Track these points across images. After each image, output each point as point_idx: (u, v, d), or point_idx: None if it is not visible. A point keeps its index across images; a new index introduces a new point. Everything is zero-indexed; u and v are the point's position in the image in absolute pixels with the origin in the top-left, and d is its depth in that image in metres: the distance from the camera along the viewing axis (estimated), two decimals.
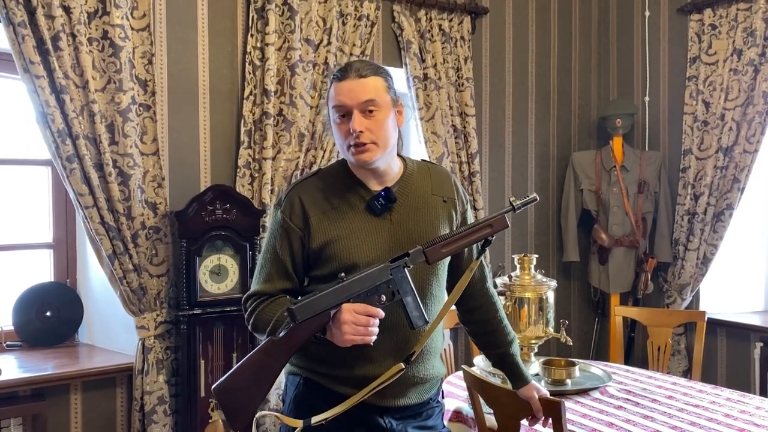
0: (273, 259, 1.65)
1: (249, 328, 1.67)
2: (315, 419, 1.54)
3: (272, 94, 2.83)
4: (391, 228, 1.62)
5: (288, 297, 1.64)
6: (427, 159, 2.12)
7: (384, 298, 1.51)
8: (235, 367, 1.54)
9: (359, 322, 1.46)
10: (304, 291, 1.69)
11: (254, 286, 1.68)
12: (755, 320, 3.46)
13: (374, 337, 1.49)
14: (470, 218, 1.77)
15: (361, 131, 1.54)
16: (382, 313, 1.50)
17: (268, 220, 1.69)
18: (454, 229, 1.70)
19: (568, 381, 2.47)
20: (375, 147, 1.57)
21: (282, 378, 2.81)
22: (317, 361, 1.63)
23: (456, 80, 3.47)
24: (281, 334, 1.50)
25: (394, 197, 1.62)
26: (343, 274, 1.52)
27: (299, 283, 1.68)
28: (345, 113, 1.56)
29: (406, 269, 1.52)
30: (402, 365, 1.56)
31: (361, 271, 1.52)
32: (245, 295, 1.69)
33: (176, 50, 2.74)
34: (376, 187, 1.64)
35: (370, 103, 1.56)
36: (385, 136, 1.59)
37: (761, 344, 3.36)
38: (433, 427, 1.74)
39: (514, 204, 1.60)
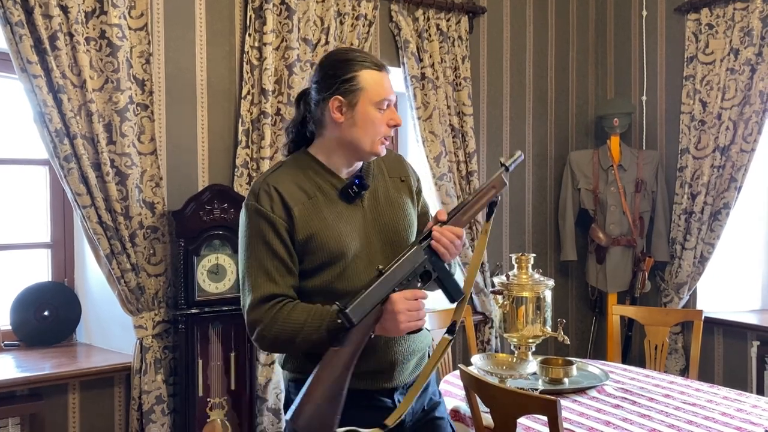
0: (268, 255, 1.55)
1: (260, 344, 1.55)
2: (389, 421, 1.54)
3: (270, 93, 2.83)
4: (365, 214, 1.65)
5: (301, 302, 1.56)
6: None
7: (419, 282, 1.55)
8: (304, 390, 1.46)
9: (413, 308, 1.49)
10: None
11: (256, 293, 1.54)
12: (752, 319, 3.47)
13: (426, 320, 1.53)
14: (423, 193, 1.82)
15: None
16: (427, 294, 1.54)
17: (240, 221, 1.63)
18: (417, 206, 1.76)
19: (566, 380, 2.48)
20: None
21: (278, 378, 2.81)
22: (317, 361, 1.54)
23: (453, 80, 3.47)
24: (342, 344, 1.45)
25: (367, 185, 1.65)
26: (381, 267, 1.52)
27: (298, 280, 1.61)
28: (386, 106, 1.61)
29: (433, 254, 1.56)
30: (449, 337, 1.58)
31: (398, 257, 1.53)
32: (249, 307, 1.54)
33: (174, 50, 2.74)
34: (345, 176, 1.66)
35: None
36: None
37: (758, 343, 3.37)
38: (441, 419, 1.75)
39: (505, 164, 1.68)
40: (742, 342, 3.47)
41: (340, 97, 1.58)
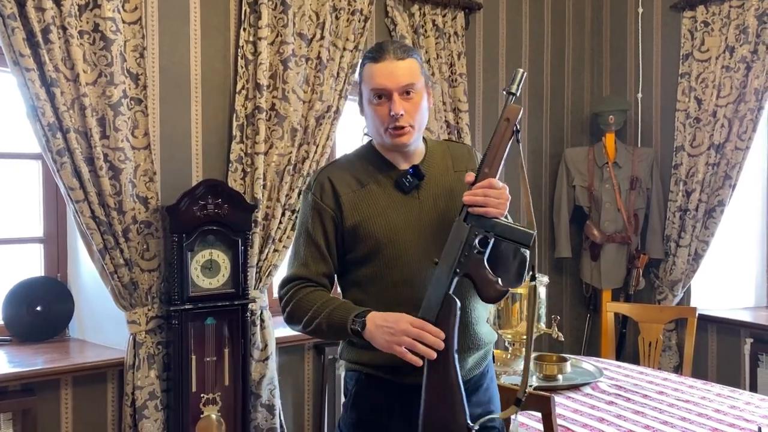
0: (306, 242, 1.64)
1: (284, 317, 1.64)
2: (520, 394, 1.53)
3: (265, 88, 2.81)
4: (420, 206, 1.63)
5: (325, 290, 1.62)
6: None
7: (480, 250, 1.47)
8: (423, 401, 1.47)
9: (410, 333, 1.44)
10: (342, 279, 1.68)
11: (289, 271, 1.66)
12: (745, 316, 3.48)
13: (420, 361, 1.44)
14: None
15: (402, 114, 1.57)
16: (441, 333, 1.45)
17: (299, 206, 1.73)
18: None
19: (560, 376, 2.48)
20: (412, 130, 1.60)
21: (272, 374, 2.81)
22: (376, 356, 1.55)
23: (449, 76, 3.46)
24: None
25: (423, 174, 1.64)
26: (436, 260, 1.50)
27: (334, 268, 1.66)
28: (383, 95, 1.58)
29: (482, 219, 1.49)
30: (532, 283, 1.53)
31: (445, 243, 1.50)
32: (281, 281, 1.67)
33: (168, 44, 2.72)
34: (404, 166, 1.66)
35: (409, 87, 1.58)
36: (421, 118, 1.62)
37: (751, 340, 3.39)
38: (488, 401, 1.69)
39: (511, 91, 1.57)
40: (735, 339, 3.48)
41: (359, 94, 1.65)
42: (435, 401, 1.46)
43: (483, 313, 1.68)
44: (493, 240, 1.50)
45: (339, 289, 1.73)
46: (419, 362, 1.45)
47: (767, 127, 3.61)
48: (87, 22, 2.46)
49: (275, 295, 3.26)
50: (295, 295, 1.62)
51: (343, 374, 1.74)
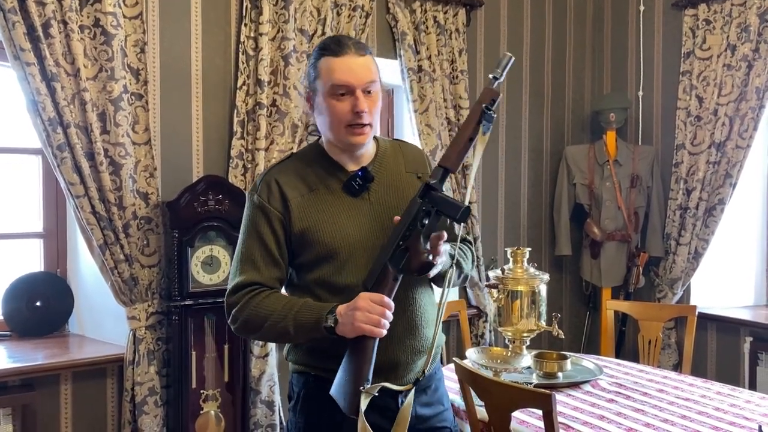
0: (257, 244, 1.56)
1: (233, 326, 1.56)
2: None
3: (266, 84, 2.81)
4: (371, 208, 1.59)
5: (278, 293, 1.57)
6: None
7: (423, 225, 1.44)
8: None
9: (374, 310, 1.42)
10: (290, 282, 1.64)
11: (239, 277, 1.56)
12: (745, 315, 3.48)
13: (384, 331, 1.44)
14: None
15: (366, 111, 1.52)
16: (393, 305, 1.45)
17: (245, 208, 1.64)
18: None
19: (560, 374, 2.48)
20: (370, 129, 1.56)
21: (272, 370, 2.81)
22: (325, 357, 1.54)
23: (450, 72, 3.45)
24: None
25: (372, 177, 1.59)
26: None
27: (286, 272, 1.60)
28: (346, 92, 1.52)
29: (434, 190, 1.47)
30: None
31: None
32: (230, 289, 1.57)
33: (169, 39, 2.71)
34: (353, 168, 1.61)
35: (371, 85, 1.54)
36: (377, 118, 1.59)
37: (751, 338, 3.39)
38: (438, 401, 1.71)
39: (495, 75, 1.56)
40: (735, 337, 3.48)
41: (309, 89, 1.59)
42: (345, 361, 1.45)
43: (432, 316, 1.64)
44: (433, 212, 1.45)
45: (284, 291, 1.67)
46: (383, 334, 1.44)
47: None
48: (88, 17, 2.45)
49: None
50: (250, 302, 1.53)
51: (290, 376, 1.68)
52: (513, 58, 1.56)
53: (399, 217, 1.49)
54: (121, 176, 2.52)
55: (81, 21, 2.44)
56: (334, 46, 1.54)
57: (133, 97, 2.56)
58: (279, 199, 1.57)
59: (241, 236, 1.62)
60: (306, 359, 1.61)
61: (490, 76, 1.55)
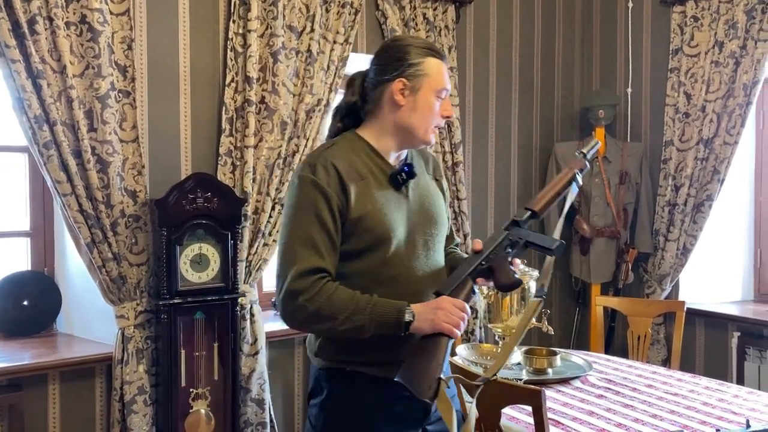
0: (317, 228, 1.52)
1: (295, 314, 1.51)
2: (488, 374, 1.57)
3: (254, 81, 2.79)
4: (408, 204, 1.65)
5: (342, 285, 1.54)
6: None
7: (510, 251, 1.60)
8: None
9: (454, 313, 1.50)
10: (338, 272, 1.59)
11: (302, 262, 1.50)
12: (733, 310, 3.50)
13: (459, 333, 1.52)
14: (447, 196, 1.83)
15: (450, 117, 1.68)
16: (469, 312, 1.55)
17: (290, 192, 1.59)
18: (447, 206, 1.78)
19: (550, 370, 2.49)
20: None
21: (262, 368, 2.80)
22: (358, 350, 1.56)
23: None
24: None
25: (415, 174, 1.65)
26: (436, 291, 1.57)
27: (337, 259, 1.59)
28: (442, 96, 1.63)
29: (519, 226, 1.63)
30: (538, 299, 1.62)
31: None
32: (293, 276, 1.50)
33: (156, 36, 2.69)
34: (393, 162, 1.66)
35: None
36: None
37: (738, 334, 3.41)
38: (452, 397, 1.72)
39: (583, 151, 1.72)
40: (723, 333, 3.50)
41: (404, 80, 1.60)
42: (418, 353, 1.50)
43: None
44: (522, 243, 1.62)
45: None
46: (459, 336, 1.54)
47: (755, 123, 3.63)
48: (74, 13, 2.43)
49: (265, 289, 3.27)
50: (322, 291, 1.50)
51: (316, 373, 1.66)
52: (599, 143, 1.76)
53: (481, 241, 1.63)
54: (108, 174, 2.50)
55: (67, 17, 2.42)
56: (436, 49, 1.65)
57: (120, 95, 2.54)
58: (337, 184, 1.56)
59: (292, 218, 1.56)
60: (342, 355, 1.59)
61: (577, 152, 1.74)
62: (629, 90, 3.90)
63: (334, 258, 1.56)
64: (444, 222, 1.73)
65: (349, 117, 1.69)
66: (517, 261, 1.65)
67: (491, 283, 1.61)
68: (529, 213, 1.64)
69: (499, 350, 1.78)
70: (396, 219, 1.60)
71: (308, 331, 1.62)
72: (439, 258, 1.71)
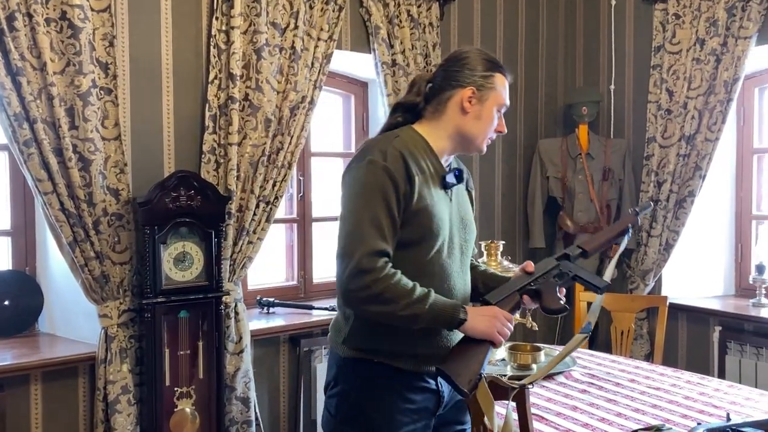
0: (385, 212, 1.57)
1: (359, 293, 1.54)
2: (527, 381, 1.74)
3: (238, 78, 2.78)
4: (450, 207, 1.72)
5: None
6: None
7: (558, 280, 1.72)
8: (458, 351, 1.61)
9: (504, 323, 1.62)
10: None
11: (372, 242, 1.54)
12: (715, 305, 3.54)
13: (503, 341, 1.63)
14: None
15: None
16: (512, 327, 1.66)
17: (357, 173, 1.62)
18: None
19: (534, 366, 2.50)
20: None
21: (247, 367, 2.78)
22: (389, 342, 1.63)
23: (424, 66, 3.45)
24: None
25: (463, 179, 1.76)
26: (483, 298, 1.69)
27: None
28: (502, 111, 1.76)
29: (569, 261, 1.76)
30: (583, 336, 1.73)
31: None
32: (361, 255, 1.53)
33: (138, 33, 2.67)
34: (443, 164, 1.73)
35: None
36: None
37: (720, 328, 3.45)
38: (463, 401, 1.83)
39: (637, 210, 1.90)
40: (704, 327, 3.54)
41: (474, 89, 1.70)
42: (463, 350, 1.59)
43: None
44: (570, 275, 1.74)
45: None
46: (500, 346, 1.66)
47: (736, 119, 3.67)
48: (54, 10, 2.40)
49: (249, 287, 3.26)
50: (389, 276, 1.55)
51: (339, 362, 1.69)
52: (652, 206, 1.83)
53: (533, 264, 1.76)
54: (90, 172, 2.48)
55: (47, 14, 2.39)
56: (504, 67, 1.76)
57: (102, 92, 2.52)
58: (404, 173, 1.61)
59: (360, 197, 1.60)
60: (372, 345, 1.64)
61: (631, 209, 1.91)
62: (612, 87, 3.93)
63: (394, 244, 1.61)
64: (474, 232, 1.81)
65: (409, 113, 1.76)
66: (564, 290, 1.74)
67: (534, 306, 1.72)
68: (580, 251, 1.79)
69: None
70: (444, 219, 1.68)
71: (365, 311, 1.62)
72: (468, 264, 1.79)
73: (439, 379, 1.69)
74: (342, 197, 1.66)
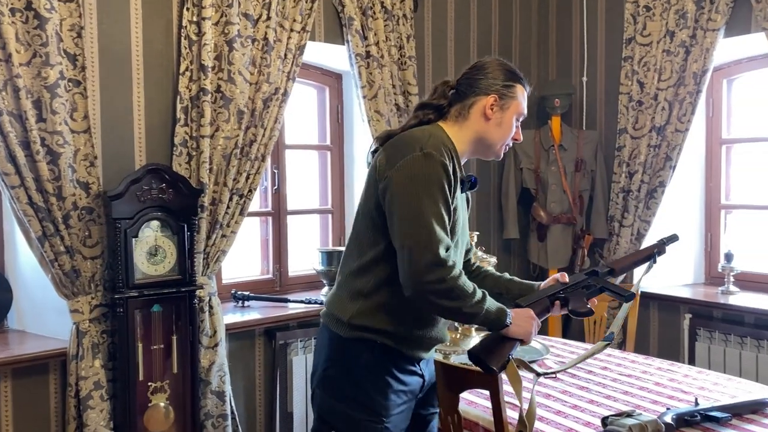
0: (446, 208, 1.66)
1: (434, 286, 1.60)
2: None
3: (209, 70, 2.75)
4: (462, 209, 1.83)
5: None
6: None
7: (586, 290, 1.87)
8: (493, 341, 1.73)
9: (537, 328, 1.77)
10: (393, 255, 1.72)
11: (444, 240, 1.63)
12: (685, 293, 3.60)
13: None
14: None
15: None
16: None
17: (416, 164, 1.65)
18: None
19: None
20: None
21: (222, 360, 2.76)
22: (395, 325, 1.70)
23: (399, 58, 3.45)
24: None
25: (477, 185, 1.89)
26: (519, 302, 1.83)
27: None
28: (520, 121, 1.85)
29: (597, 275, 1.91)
30: (604, 343, 1.90)
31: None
32: (441, 248, 1.61)
33: (107, 23, 2.62)
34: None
35: None
36: None
37: (690, 315, 3.52)
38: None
39: (663, 241, 2.05)
40: (675, 315, 3.60)
41: (497, 97, 1.79)
42: (495, 339, 1.72)
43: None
44: (598, 287, 1.89)
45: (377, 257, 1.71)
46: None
47: (705, 110, 3.73)
48: (19, 0, 2.35)
49: (224, 281, 3.24)
50: (460, 273, 1.64)
51: (338, 342, 1.73)
52: (678, 237, 2.10)
53: (567, 275, 1.89)
54: (59, 165, 2.44)
55: (12, 4, 2.34)
56: (525, 79, 1.85)
57: (70, 84, 2.47)
58: (452, 171, 1.69)
59: (424, 189, 1.63)
60: (380, 326, 1.70)
61: (658, 240, 2.06)
62: (584, 79, 3.97)
63: None
64: (468, 231, 1.96)
65: (436, 112, 1.84)
66: (594, 300, 1.88)
67: (563, 312, 1.87)
68: (608, 269, 1.94)
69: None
70: (461, 219, 1.79)
71: (432, 303, 1.65)
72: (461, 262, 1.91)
73: (422, 363, 1.80)
74: (399, 186, 1.64)
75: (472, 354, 1.71)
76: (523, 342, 1.73)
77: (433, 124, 1.80)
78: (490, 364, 1.68)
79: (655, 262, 2.02)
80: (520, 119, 1.85)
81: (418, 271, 1.59)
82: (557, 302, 1.84)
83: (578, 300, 1.85)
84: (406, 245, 1.61)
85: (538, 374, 1.85)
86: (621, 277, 3.66)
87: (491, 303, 1.68)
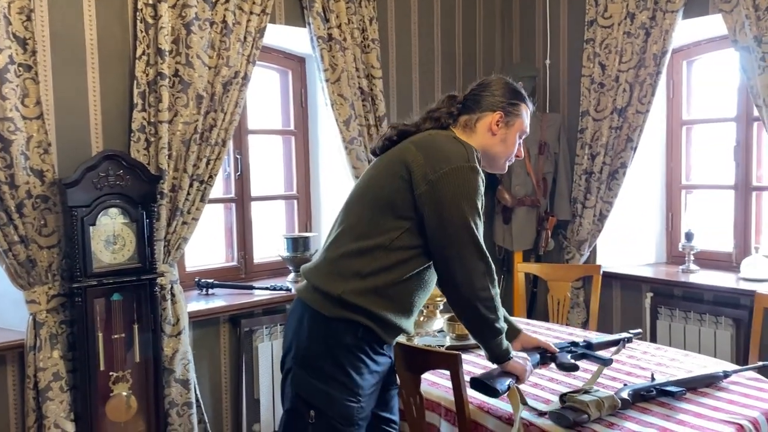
0: (481, 219, 1.80)
1: (482, 292, 1.75)
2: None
3: (167, 53, 2.70)
4: None
5: None
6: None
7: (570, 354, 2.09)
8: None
9: (529, 373, 1.91)
10: (411, 260, 1.83)
11: (488, 256, 1.79)
12: (647, 272, 3.67)
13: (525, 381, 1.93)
14: None
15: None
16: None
17: (462, 176, 1.77)
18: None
19: (471, 336, 2.54)
20: None
21: (186, 348, 2.73)
22: (391, 314, 1.78)
23: (362, 41, 3.42)
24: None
25: None
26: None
27: None
28: (522, 138, 1.96)
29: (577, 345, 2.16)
30: (604, 367, 2.13)
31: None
32: (490, 260, 1.78)
33: (58, 6, 2.55)
34: None
35: None
36: None
37: (651, 294, 3.58)
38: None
39: (631, 334, 2.34)
40: (637, 294, 3.67)
41: (503, 114, 1.90)
42: (495, 372, 1.88)
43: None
44: (579, 352, 2.12)
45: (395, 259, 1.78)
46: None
47: (666, 91, 3.78)
48: None
49: (188, 269, 3.20)
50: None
51: (322, 322, 1.77)
52: (641, 332, 2.44)
53: (551, 345, 2.08)
54: (11, 153, 2.38)
55: None
56: (527, 98, 1.96)
57: (20, 68, 2.41)
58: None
59: (473, 204, 1.76)
60: (374, 309, 1.75)
61: (626, 332, 2.36)
62: (548, 62, 3.98)
63: None
64: None
65: (450, 118, 1.94)
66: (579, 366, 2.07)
67: (550, 364, 2.07)
68: (586, 343, 2.15)
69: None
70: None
71: (472, 308, 1.77)
72: None
73: (387, 347, 1.88)
74: (449, 194, 1.74)
75: (476, 380, 1.83)
76: (518, 380, 1.86)
77: (456, 136, 1.88)
78: (494, 385, 1.81)
79: (623, 347, 2.31)
80: (523, 137, 1.96)
81: (476, 277, 1.75)
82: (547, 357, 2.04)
83: (564, 357, 2.05)
84: (459, 253, 1.74)
85: (525, 402, 1.97)
86: (586, 256, 3.76)
87: (504, 333, 1.85)
